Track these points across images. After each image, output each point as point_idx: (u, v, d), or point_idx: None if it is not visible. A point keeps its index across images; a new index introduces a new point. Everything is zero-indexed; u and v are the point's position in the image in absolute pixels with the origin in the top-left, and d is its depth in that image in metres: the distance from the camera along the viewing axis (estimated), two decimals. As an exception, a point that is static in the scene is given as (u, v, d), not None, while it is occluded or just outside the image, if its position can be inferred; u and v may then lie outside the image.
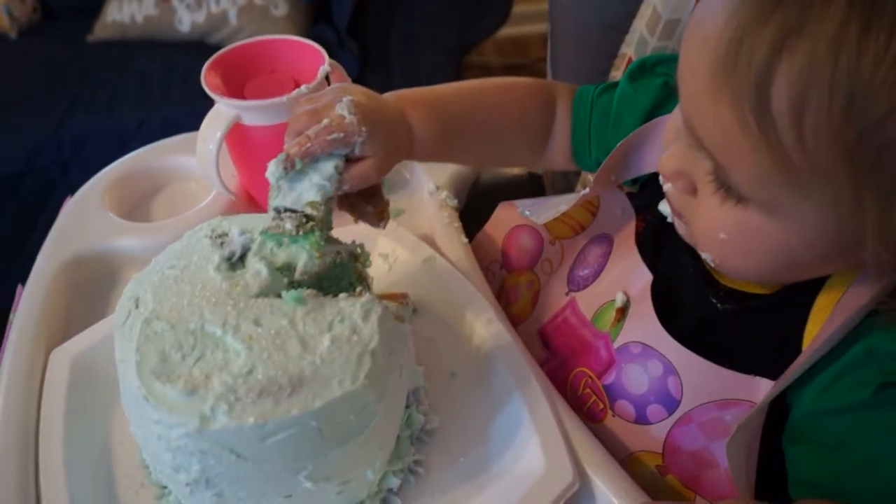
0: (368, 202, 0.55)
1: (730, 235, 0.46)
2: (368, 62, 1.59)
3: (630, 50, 0.70)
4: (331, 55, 0.67)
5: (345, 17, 1.58)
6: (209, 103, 0.66)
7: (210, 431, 0.42)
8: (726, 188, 0.44)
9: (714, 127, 0.43)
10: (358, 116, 0.50)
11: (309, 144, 0.49)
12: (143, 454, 0.52)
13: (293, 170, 0.49)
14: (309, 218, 0.49)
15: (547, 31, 0.81)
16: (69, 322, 0.63)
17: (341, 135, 0.50)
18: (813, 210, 0.42)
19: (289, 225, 0.49)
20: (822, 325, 0.48)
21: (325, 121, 0.50)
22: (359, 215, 0.55)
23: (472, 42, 1.86)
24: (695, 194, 0.48)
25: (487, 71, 2.36)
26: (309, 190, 0.50)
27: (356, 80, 0.61)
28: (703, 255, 0.50)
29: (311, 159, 0.50)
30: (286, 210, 0.50)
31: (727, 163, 0.43)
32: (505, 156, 0.67)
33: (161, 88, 1.51)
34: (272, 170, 0.50)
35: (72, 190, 0.74)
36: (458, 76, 1.78)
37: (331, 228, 0.51)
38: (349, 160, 0.51)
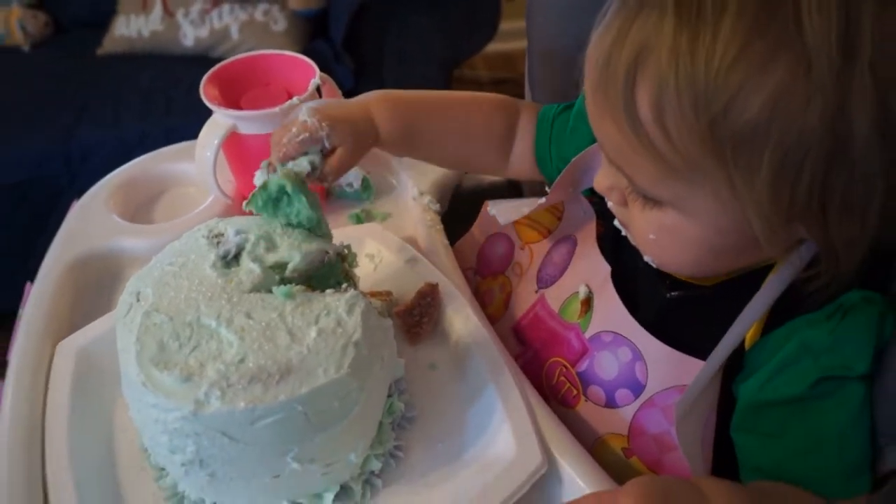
0: (424, 315, 0.61)
1: (657, 235, 0.49)
2: (363, 75, 1.60)
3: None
4: (327, 69, 0.69)
5: (340, 32, 1.60)
6: (210, 114, 0.67)
7: (204, 415, 0.44)
8: (642, 195, 0.47)
9: (608, 142, 0.47)
10: (317, 117, 0.56)
11: (284, 150, 0.55)
12: (143, 438, 0.53)
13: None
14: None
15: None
16: (74, 317, 0.64)
17: (307, 135, 0.55)
18: (707, 200, 0.45)
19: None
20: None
21: (294, 129, 0.56)
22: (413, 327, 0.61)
23: (461, 57, 1.88)
24: (626, 205, 0.51)
25: (477, 84, 2.37)
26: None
27: (351, 92, 0.64)
28: (646, 258, 0.53)
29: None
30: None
31: (629, 172, 0.47)
32: (469, 160, 0.70)
33: (165, 100, 1.52)
34: (259, 176, 0.54)
35: (79, 196, 0.75)
36: (448, 89, 1.79)
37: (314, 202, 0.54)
38: (325, 156, 0.57)
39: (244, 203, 0.54)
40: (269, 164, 0.55)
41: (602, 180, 0.52)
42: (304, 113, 0.56)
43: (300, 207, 0.53)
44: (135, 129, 1.47)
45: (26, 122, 1.49)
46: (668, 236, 0.49)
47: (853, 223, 0.43)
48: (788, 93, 0.39)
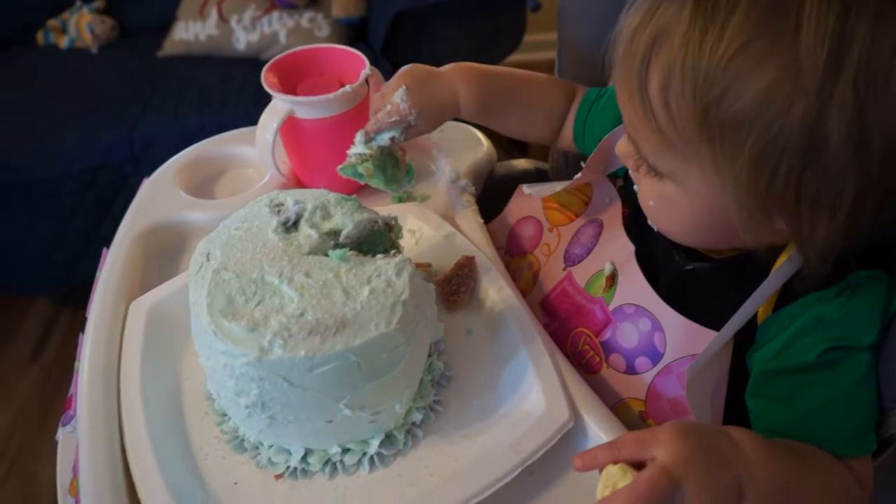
0: (461, 285, 0.61)
1: (656, 203, 0.51)
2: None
3: (626, 64, 0.72)
4: (366, 70, 0.69)
5: (379, 39, 1.60)
6: (259, 109, 0.68)
7: (268, 361, 0.44)
8: (647, 164, 0.48)
9: (625, 113, 0.48)
10: (409, 102, 0.60)
11: (378, 125, 0.60)
12: (209, 383, 0.54)
13: (371, 139, 0.61)
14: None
15: (552, 59, 0.84)
16: (145, 279, 0.65)
17: (398, 117, 0.60)
18: (697, 177, 0.45)
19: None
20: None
21: (388, 107, 0.60)
22: (451, 295, 0.62)
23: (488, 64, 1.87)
24: (638, 172, 0.51)
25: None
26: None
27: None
28: (650, 223, 0.54)
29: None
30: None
31: (637, 141, 0.48)
32: (528, 130, 0.72)
33: (219, 97, 1.53)
34: (358, 138, 0.61)
35: (148, 175, 0.76)
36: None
37: (395, 164, 0.62)
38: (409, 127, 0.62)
39: (338, 167, 0.60)
40: (366, 132, 0.60)
41: (622, 146, 0.53)
42: (399, 95, 0.60)
43: (377, 182, 0.60)
44: (192, 122, 1.48)
45: (96, 116, 1.51)
46: (664, 205, 0.50)
47: (823, 219, 0.43)
48: (776, 92, 0.40)
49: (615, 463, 0.41)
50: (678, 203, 0.48)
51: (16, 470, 1.39)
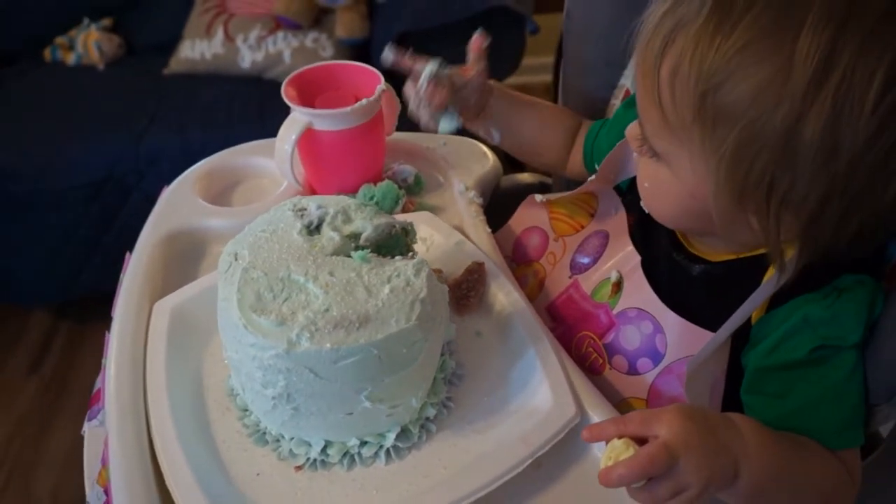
0: (471, 290, 0.64)
1: (649, 183, 0.55)
2: (401, 100, 1.65)
3: (627, 82, 0.76)
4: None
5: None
6: (263, 126, 0.71)
7: (295, 353, 0.47)
8: (648, 145, 0.52)
9: (638, 94, 0.52)
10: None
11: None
12: (233, 378, 0.56)
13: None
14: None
15: (548, 82, 0.89)
16: (166, 282, 0.67)
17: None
18: (686, 161, 0.49)
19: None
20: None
21: None
22: (462, 299, 0.64)
23: (487, 86, 1.92)
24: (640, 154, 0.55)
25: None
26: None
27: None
28: (643, 205, 0.58)
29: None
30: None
31: (643, 120, 0.52)
32: (539, 151, 0.78)
33: (224, 114, 1.56)
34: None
35: (146, 195, 0.78)
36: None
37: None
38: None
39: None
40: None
41: (630, 128, 0.56)
42: None
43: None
44: (197, 138, 1.51)
45: (101, 130, 1.54)
46: (656, 186, 0.54)
47: (789, 220, 0.47)
48: (767, 90, 0.44)
49: (620, 437, 0.45)
50: (668, 185, 0.53)
51: (14, 481, 1.40)
